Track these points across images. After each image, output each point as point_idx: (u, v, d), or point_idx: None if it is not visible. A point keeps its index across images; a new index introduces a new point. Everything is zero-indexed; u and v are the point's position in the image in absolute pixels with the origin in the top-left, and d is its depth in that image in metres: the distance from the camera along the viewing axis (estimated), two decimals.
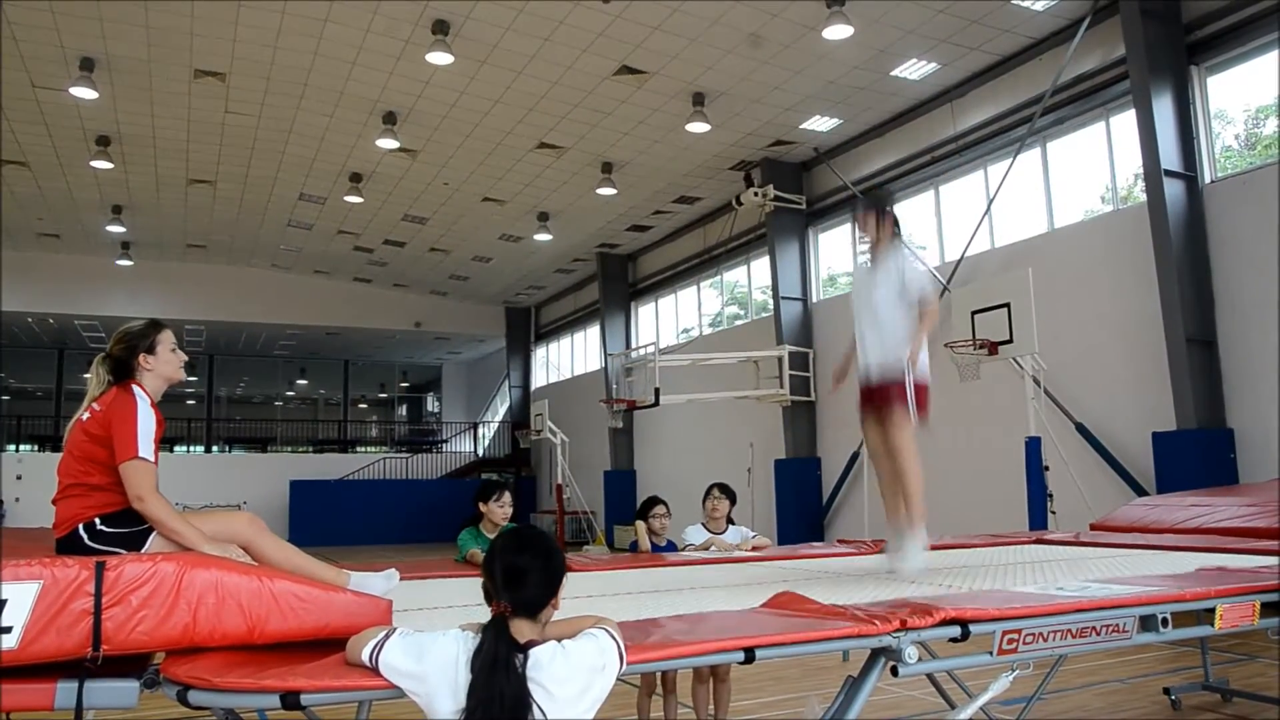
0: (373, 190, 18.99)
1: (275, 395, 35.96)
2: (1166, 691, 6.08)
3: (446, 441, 33.78)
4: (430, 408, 38.61)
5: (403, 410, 39.17)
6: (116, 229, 21.40)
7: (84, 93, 13.91)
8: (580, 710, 2.24)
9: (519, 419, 28.86)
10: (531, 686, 2.18)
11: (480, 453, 32.31)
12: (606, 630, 2.36)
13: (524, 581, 2.32)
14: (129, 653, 2.37)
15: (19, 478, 24.01)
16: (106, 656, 2.31)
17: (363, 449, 33.42)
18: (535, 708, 2.16)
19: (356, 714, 2.57)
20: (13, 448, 27.31)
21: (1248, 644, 7.85)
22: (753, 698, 6.39)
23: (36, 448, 28.26)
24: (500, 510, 5.41)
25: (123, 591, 2.32)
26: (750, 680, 6.75)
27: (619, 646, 2.34)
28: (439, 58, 12.85)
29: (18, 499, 23.71)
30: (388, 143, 15.92)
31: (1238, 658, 7.44)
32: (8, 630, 2.18)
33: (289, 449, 32.44)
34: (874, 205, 5.04)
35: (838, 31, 12.01)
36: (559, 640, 2.29)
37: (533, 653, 2.23)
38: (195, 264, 25.26)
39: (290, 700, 2.20)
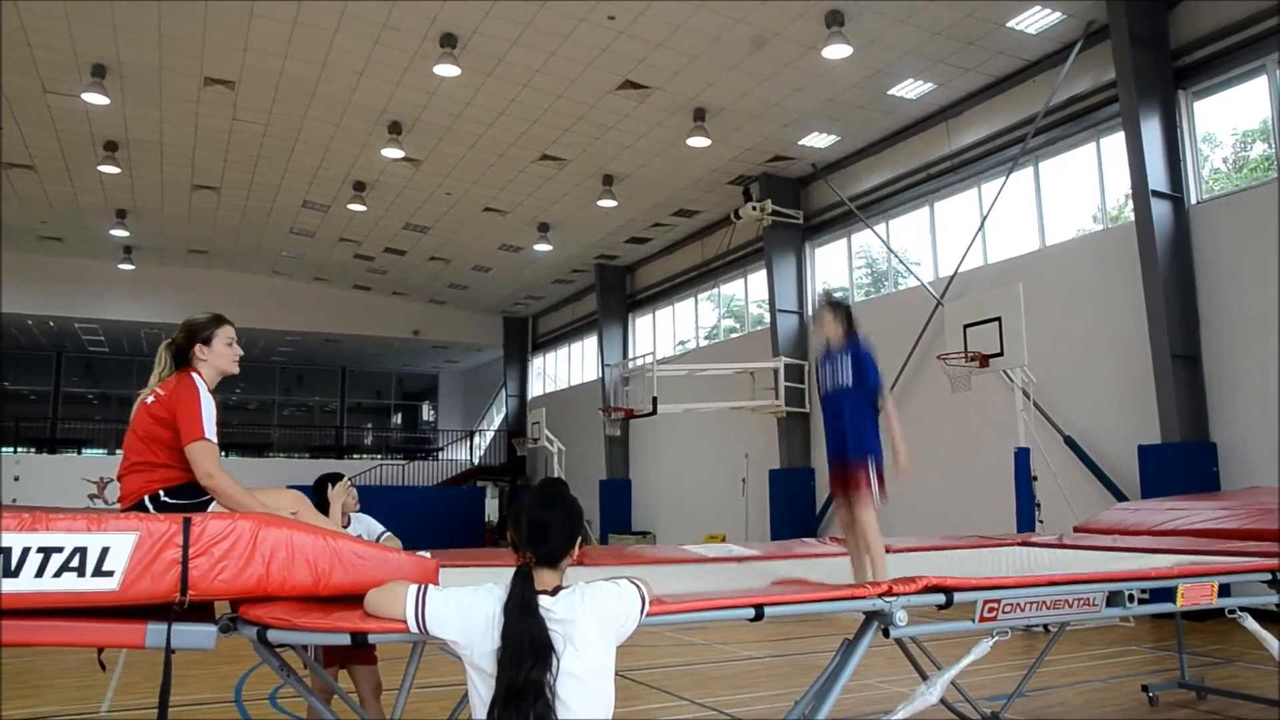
0: (375, 199, 19.27)
1: (272, 401, 36.10)
2: (1145, 688, 6.35)
3: (442, 449, 33.96)
4: (426, 416, 38.78)
5: (398, 418, 39.33)
6: (120, 233, 21.64)
7: (96, 99, 14.12)
8: (598, 651, 2.45)
9: (515, 427, 29.08)
10: (551, 627, 2.40)
11: (476, 461, 32.50)
12: (630, 579, 2.61)
13: (547, 534, 2.55)
14: (211, 599, 2.66)
15: (16, 479, 24.20)
16: (190, 603, 2.59)
17: (358, 456, 33.57)
18: (554, 651, 2.38)
19: (410, 655, 2.84)
20: (10, 449, 27.43)
21: (1225, 649, 8.12)
22: (748, 692, 6.64)
23: (33, 450, 28.37)
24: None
25: (206, 544, 2.60)
26: (743, 678, 7.00)
27: (642, 596, 2.59)
28: (446, 70, 13.14)
29: (15, 500, 23.85)
30: (392, 152, 16.19)
31: (1215, 661, 7.70)
32: (109, 574, 2.46)
33: (285, 455, 32.56)
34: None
35: (837, 51, 12.32)
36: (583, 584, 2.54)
37: (556, 597, 2.46)
38: (196, 269, 25.45)
39: (359, 639, 2.53)
